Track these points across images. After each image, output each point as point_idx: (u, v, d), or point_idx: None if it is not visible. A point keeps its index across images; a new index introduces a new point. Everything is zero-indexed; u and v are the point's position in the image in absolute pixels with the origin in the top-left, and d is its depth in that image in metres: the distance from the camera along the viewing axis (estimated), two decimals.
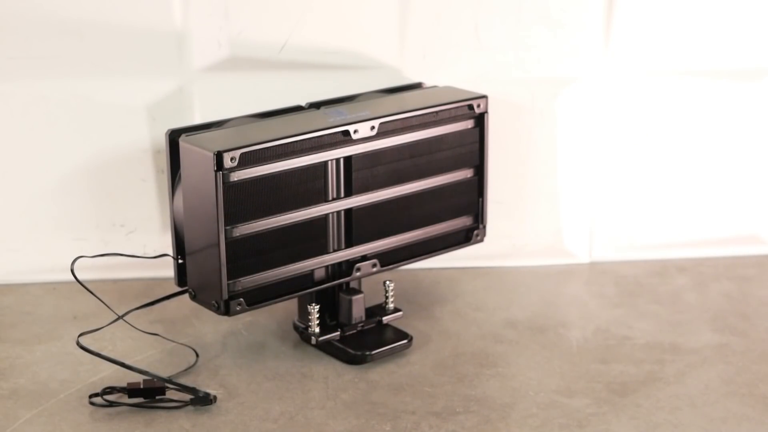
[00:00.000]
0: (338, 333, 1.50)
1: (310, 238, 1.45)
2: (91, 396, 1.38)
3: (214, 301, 1.41)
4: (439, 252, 1.59)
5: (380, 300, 1.57)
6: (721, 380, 1.42)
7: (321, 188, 1.44)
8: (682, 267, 1.75)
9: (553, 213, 1.75)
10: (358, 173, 1.47)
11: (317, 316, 1.49)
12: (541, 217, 1.75)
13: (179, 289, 1.48)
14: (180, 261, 1.46)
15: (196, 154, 1.37)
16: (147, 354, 1.50)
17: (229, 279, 1.39)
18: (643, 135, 1.74)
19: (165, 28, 1.61)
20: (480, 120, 1.57)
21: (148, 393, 1.37)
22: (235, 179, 1.36)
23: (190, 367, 1.46)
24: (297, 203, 1.43)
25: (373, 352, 1.47)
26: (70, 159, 1.65)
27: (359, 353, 1.47)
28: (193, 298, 1.45)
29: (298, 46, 1.64)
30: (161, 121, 1.64)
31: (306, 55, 1.65)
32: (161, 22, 1.61)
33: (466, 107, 1.55)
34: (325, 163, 1.44)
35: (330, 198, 1.46)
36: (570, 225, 1.76)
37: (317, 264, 1.47)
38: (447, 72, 1.67)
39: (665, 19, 1.69)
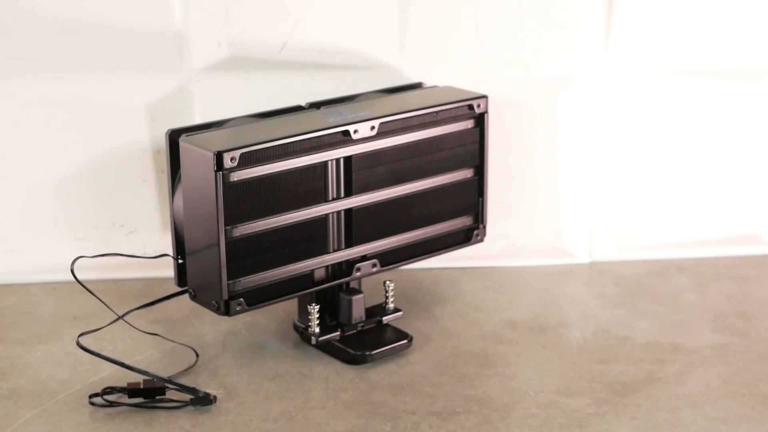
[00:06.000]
0: (338, 333, 1.50)
1: (310, 238, 1.45)
2: (91, 396, 1.38)
3: (214, 301, 1.41)
4: (439, 252, 1.59)
5: (380, 300, 1.57)
6: (721, 380, 1.42)
7: (321, 188, 1.44)
8: (682, 267, 1.75)
9: (553, 213, 1.75)
10: (358, 173, 1.47)
11: (317, 316, 1.49)
12: (541, 217, 1.75)
13: (179, 289, 1.48)
14: (180, 261, 1.46)
15: (196, 154, 1.37)
16: (147, 354, 1.50)
17: (229, 279, 1.39)
18: (642, 135, 1.74)
19: (165, 28, 1.61)
20: (480, 120, 1.57)
21: (148, 393, 1.37)
22: (235, 179, 1.36)
23: (190, 367, 1.46)
24: (297, 203, 1.43)
25: (373, 352, 1.47)
26: (69, 159, 1.65)
27: (359, 353, 1.47)
28: (193, 298, 1.45)
29: (298, 46, 1.64)
30: (161, 121, 1.64)
31: (306, 55, 1.65)
32: (161, 22, 1.61)
33: (466, 107, 1.55)
34: (325, 163, 1.44)
35: (330, 198, 1.46)
36: (570, 225, 1.76)
37: (317, 264, 1.47)
38: (447, 72, 1.67)
39: (665, 19, 1.69)
